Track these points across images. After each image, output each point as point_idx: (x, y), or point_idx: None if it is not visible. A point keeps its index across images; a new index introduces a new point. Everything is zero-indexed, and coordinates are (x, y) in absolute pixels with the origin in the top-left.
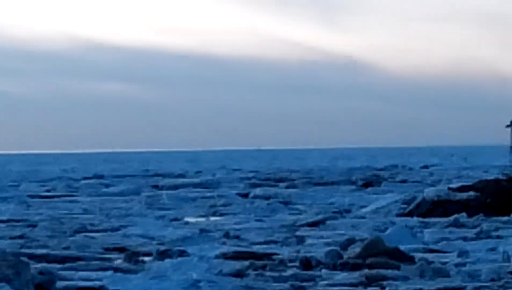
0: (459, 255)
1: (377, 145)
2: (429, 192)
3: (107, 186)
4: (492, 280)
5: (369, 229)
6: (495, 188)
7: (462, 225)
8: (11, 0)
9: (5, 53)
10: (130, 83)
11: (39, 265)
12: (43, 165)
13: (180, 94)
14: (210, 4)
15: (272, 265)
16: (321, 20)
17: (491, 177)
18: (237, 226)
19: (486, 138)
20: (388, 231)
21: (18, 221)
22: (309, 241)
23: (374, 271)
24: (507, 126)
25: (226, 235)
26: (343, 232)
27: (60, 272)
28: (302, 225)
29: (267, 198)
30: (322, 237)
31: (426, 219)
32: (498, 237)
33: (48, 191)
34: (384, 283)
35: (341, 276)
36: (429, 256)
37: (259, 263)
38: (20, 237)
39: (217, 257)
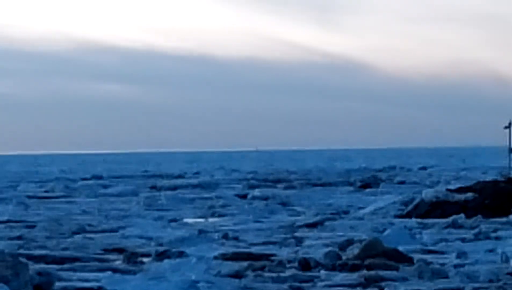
0: (457, 256)
1: (375, 146)
2: (428, 193)
3: (105, 187)
4: (491, 281)
5: (367, 230)
6: (493, 189)
7: (461, 226)
8: (9, 1)
9: (3, 54)
10: (128, 84)
11: (37, 266)
12: (41, 166)
13: (179, 95)
14: (209, 5)
15: (270, 266)
16: (319, 21)
17: (489, 178)
18: (235, 227)
19: (484, 140)
20: (386, 232)
21: (16, 222)
22: (307, 242)
23: (372, 272)
24: (505, 127)
25: (225, 236)
26: (341, 233)
27: (58, 273)
28: (301, 226)
29: (265, 199)
30: (320, 238)
31: (425, 220)
32: (497, 238)
33: (46, 192)
34: (383, 284)
35: (340, 277)
36: (428, 257)
37: (258, 264)
38: (19, 238)
39: (215, 258)
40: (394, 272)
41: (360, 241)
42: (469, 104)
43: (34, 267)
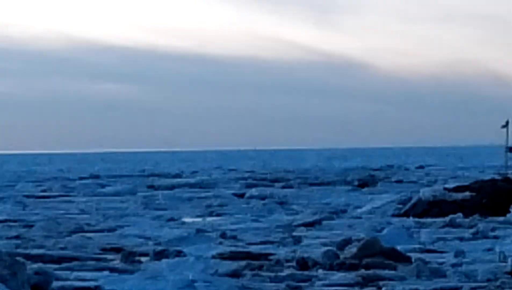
0: (455, 255)
1: (373, 145)
2: (425, 192)
3: (103, 186)
4: (489, 280)
5: (365, 229)
6: (491, 189)
7: (458, 225)
8: (9, 0)
9: (1, 53)
10: (127, 83)
11: (35, 265)
12: (39, 165)
13: (177, 94)
14: (208, 5)
15: (268, 265)
16: (318, 20)
17: (486, 177)
18: (233, 226)
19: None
20: (384, 231)
21: (14, 221)
22: (305, 241)
23: (370, 271)
24: (503, 126)
25: (223, 235)
26: (339, 232)
27: (56, 272)
28: (299, 225)
29: (263, 198)
30: (318, 237)
31: (422, 219)
32: (495, 237)
33: (44, 191)
34: (381, 283)
35: (338, 276)
36: (426, 256)
37: (256, 263)
38: (17, 237)
39: (213, 257)
40: (392, 271)
41: (358, 240)
42: (467, 103)
43: (31, 266)
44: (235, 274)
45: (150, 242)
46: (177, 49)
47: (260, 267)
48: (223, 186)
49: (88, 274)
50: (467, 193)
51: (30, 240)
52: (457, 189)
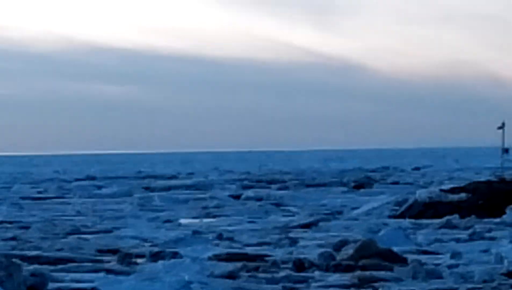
0: (452, 257)
1: (369, 146)
2: (421, 194)
3: (99, 187)
4: (485, 281)
5: (362, 230)
6: (487, 190)
7: (455, 227)
8: (4, 2)
9: None
10: (123, 85)
11: (31, 267)
12: (35, 167)
13: (174, 95)
14: (206, 6)
15: (265, 267)
16: (316, 22)
17: (482, 178)
18: (230, 228)
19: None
20: (381, 233)
21: (10, 222)
22: (302, 242)
23: (367, 273)
24: (499, 128)
25: (219, 236)
26: (336, 233)
27: (52, 273)
28: (295, 227)
29: (259, 199)
30: (315, 238)
31: (418, 221)
32: (491, 238)
33: (40, 192)
34: (377, 284)
35: (334, 277)
36: (422, 257)
37: (252, 264)
38: (13, 238)
39: (210, 258)
40: (388, 273)
41: (355, 241)
42: (463, 104)
43: (28, 268)
44: (231, 275)
45: (147, 244)
46: (175, 50)
47: (256, 269)
48: (219, 187)
49: (84, 276)
50: (463, 195)
51: (26, 241)
52: (453, 190)
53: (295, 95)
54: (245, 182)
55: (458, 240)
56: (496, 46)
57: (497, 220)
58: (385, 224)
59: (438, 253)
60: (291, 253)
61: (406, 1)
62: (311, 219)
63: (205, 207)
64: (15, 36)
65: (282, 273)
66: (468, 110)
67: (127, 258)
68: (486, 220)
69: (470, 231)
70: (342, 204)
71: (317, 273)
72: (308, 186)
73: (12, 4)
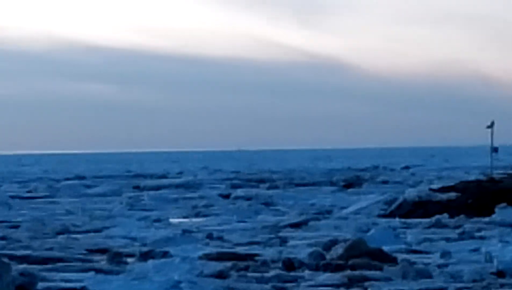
0: (441, 256)
1: (358, 146)
2: (410, 193)
3: (88, 187)
4: (475, 281)
5: (351, 230)
6: (476, 189)
7: (444, 226)
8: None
9: None
10: (112, 84)
11: (20, 266)
12: (24, 166)
13: (162, 95)
14: (194, 5)
15: (254, 266)
16: (301, 21)
17: (472, 178)
18: (219, 227)
19: (467, 139)
20: (370, 232)
21: (0, 222)
22: (291, 242)
23: (356, 272)
24: (488, 127)
25: (209, 236)
26: (325, 233)
27: (41, 273)
28: (285, 226)
29: (248, 199)
30: (304, 238)
31: (408, 220)
32: (481, 237)
33: (29, 192)
34: (367, 284)
35: (324, 277)
36: (412, 257)
37: (242, 264)
38: (2, 238)
39: (200, 258)
40: (378, 272)
41: (344, 241)
42: (452, 104)
43: (17, 267)
44: (221, 275)
45: (136, 243)
46: (163, 49)
47: (246, 268)
48: (208, 186)
49: (74, 275)
50: (453, 194)
51: (15, 241)
52: (443, 189)
53: (286, 94)
54: (235, 181)
55: (447, 240)
56: (484, 46)
57: (487, 219)
58: (375, 224)
59: (427, 253)
60: (281, 252)
61: (397, 1)
62: (301, 218)
63: (194, 207)
64: (10, 36)
65: (272, 273)
66: (457, 110)
67: (116, 258)
68: (475, 219)
69: (459, 230)
70: (331, 204)
71: (307, 273)
72: (297, 185)
73: (8, 4)
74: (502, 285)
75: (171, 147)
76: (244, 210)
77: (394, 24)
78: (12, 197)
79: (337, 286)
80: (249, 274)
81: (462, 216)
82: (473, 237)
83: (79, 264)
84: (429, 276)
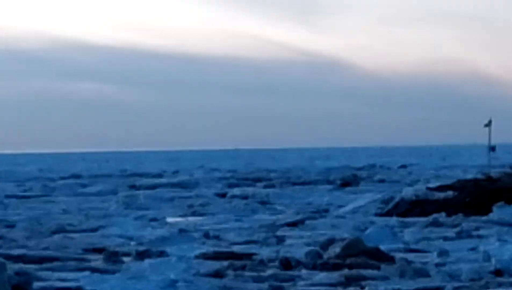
0: (439, 255)
1: (355, 144)
2: (408, 192)
3: (84, 186)
4: (473, 280)
5: (349, 229)
6: (473, 188)
7: (442, 225)
8: None
9: None
10: (107, 83)
11: (16, 266)
12: (19, 165)
13: (158, 93)
14: (189, 4)
15: (251, 265)
16: (299, 20)
17: (469, 176)
18: (216, 226)
19: (464, 138)
20: (368, 231)
21: None
22: (288, 241)
23: (354, 271)
24: (485, 125)
25: (206, 235)
26: (323, 232)
27: (37, 272)
28: (282, 225)
29: (245, 198)
30: (302, 237)
31: (405, 219)
32: (479, 236)
33: (25, 191)
34: (364, 283)
35: (321, 276)
36: (409, 256)
37: (239, 263)
38: None
39: (196, 257)
40: (375, 271)
41: (342, 240)
42: (449, 102)
43: (12, 266)
44: (217, 274)
45: (133, 242)
46: (158, 48)
47: (243, 267)
48: (205, 185)
49: (70, 275)
50: (450, 193)
51: (11, 240)
52: (440, 188)
53: (284, 93)
54: (231, 180)
55: (445, 238)
56: (480, 44)
57: (484, 218)
58: (372, 222)
59: (425, 251)
60: (277, 251)
61: (389, 0)
62: (298, 217)
63: (191, 206)
64: (6, 35)
65: (268, 272)
66: (454, 108)
67: (113, 257)
68: (473, 218)
69: (457, 229)
70: (328, 202)
71: (304, 272)
72: (294, 184)
73: (5, 3)
74: (500, 284)
75: (167, 146)
76: (241, 209)
77: (392, 23)
78: (8, 196)
79: (334, 285)
80: (246, 273)
81: (459, 215)
82: (471, 236)
83: (75, 263)
84: (427, 275)
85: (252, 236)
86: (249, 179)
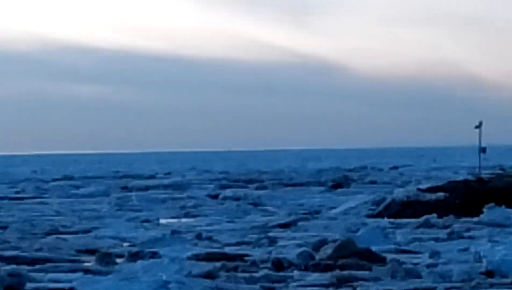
0: (430, 256)
1: (346, 146)
2: (399, 193)
3: (77, 187)
4: (464, 280)
5: (341, 230)
6: (464, 189)
7: (433, 226)
8: None
9: None
10: (100, 85)
11: (8, 267)
12: (12, 167)
13: (151, 95)
14: (183, 5)
15: (243, 267)
16: (293, 21)
17: (460, 178)
18: (208, 228)
19: (455, 139)
20: (359, 232)
21: None
22: (280, 242)
23: (345, 272)
24: (476, 127)
25: (198, 236)
26: (314, 233)
27: (30, 273)
28: (274, 227)
29: (237, 199)
30: (294, 238)
31: (396, 220)
32: (470, 237)
33: (17, 192)
34: (356, 284)
35: (313, 277)
36: (401, 257)
37: (231, 264)
38: None
39: (189, 258)
40: (367, 272)
41: (333, 241)
42: (441, 104)
43: (5, 268)
44: (209, 275)
45: (125, 244)
46: (151, 50)
47: (235, 268)
48: (197, 187)
49: (63, 276)
50: (441, 194)
51: (4, 242)
52: (431, 189)
53: (277, 95)
54: (223, 182)
55: (436, 240)
56: (470, 46)
57: (475, 219)
58: (364, 224)
59: (416, 252)
60: (270, 252)
61: (383, 2)
62: (290, 218)
63: (183, 207)
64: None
65: (261, 273)
66: (445, 110)
67: (105, 258)
68: (464, 219)
69: (448, 230)
70: (320, 204)
71: (296, 273)
72: (286, 185)
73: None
74: (491, 285)
75: (159, 148)
76: (233, 211)
77: (386, 25)
78: (1, 198)
79: (326, 286)
80: (238, 274)
81: (450, 216)
82: (462, 237)
83: (68, 264)
84: (418, 276)
85: (244, 238)
86: (241, 180)
